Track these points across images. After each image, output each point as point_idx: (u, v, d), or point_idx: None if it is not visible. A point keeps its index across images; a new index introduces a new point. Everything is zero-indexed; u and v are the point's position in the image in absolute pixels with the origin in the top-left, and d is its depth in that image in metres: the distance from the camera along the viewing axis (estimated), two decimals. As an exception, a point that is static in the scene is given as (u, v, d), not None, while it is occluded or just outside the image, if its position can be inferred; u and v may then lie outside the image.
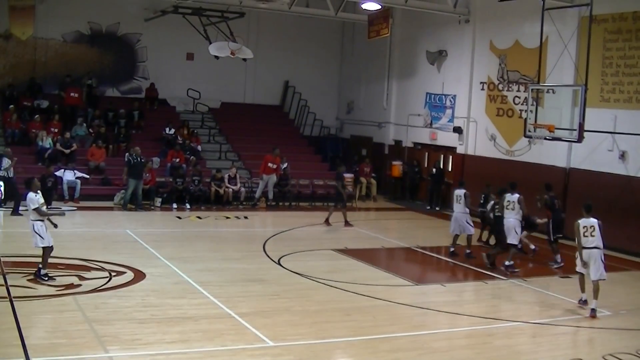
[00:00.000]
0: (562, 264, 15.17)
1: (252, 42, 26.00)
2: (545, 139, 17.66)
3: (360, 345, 9.91)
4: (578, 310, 12.03)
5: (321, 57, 29.17)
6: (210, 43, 23.11)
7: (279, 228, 18.76)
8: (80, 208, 19.86)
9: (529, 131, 17.48)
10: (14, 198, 18.45)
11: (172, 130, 24.44)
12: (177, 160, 22.55)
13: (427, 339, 10.38)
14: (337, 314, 11.27)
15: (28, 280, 11.98)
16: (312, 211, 22.13)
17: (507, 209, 14.69)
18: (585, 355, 10.05)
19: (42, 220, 12.09)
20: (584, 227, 11.74)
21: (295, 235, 18.06)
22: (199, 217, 19.94)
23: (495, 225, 15.38)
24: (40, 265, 12.05)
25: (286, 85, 29.05)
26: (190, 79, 26.69)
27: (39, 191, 12.33)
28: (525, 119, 17.75)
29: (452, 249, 16.18)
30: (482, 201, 17.25)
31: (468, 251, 15.94)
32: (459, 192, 16.10)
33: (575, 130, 16.28)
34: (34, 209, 12.05)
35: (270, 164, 22.21)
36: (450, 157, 23.90)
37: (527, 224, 15.36)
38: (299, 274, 13.66)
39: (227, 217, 20.28)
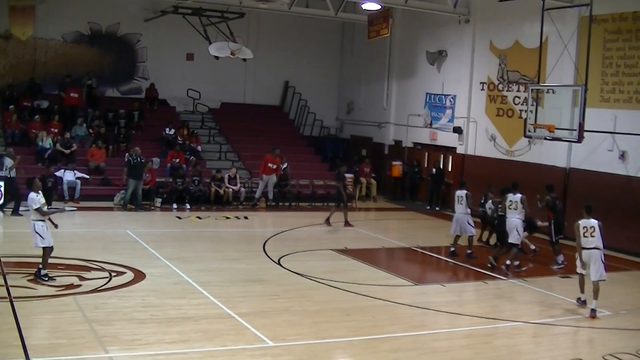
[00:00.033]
0: (563, 266, 15.16)
1: (252, 42, 26.01)
2: (545, 139, 17.66)
3: (360, 345, 9.91)
4: (578, 310, 12.04)
5: (321, 58, 29.18)
6: (210, 43, 23.12)
7: (279, 228, 18.76)
8: (80, 208, 19.86)
9: (529, 131, 17.48)
10: (15, 198, 18.45)
11: (172, 131, 24.44)
12: (177, 160, 22.55)
13: (427, 339, 10.38)
14: (337, 314, 11.27)
15: (28, 280, 11.98)
16: (312, 211, 22.14)
17: (509, 208, 14.68)
18: (585, 355, 10.06)
19: (43, 221, 12.09)
20: (584, 227, 11.74)
21: (295, 236, 18.06)
22: (199, 218, 19.94)
23: (497, 225, 15.38)
24: (40, 266, 12.05)
25: (286, 85, 29.05)
26: (190, 79, 26.69)
27: (40, 191, 12.33)
28: (525, 119, 17.75)
29: (452, 249, 16.19)
30: (482, 201, 17.27)
31: (469, 251, 15.93)
32: (461, 193, 16.08)
33: (575, 130, 16.28)
34: (35, 209, 12.05)
35: (270, 164, 22.21)
36: (450, 157, 23.90)
37: (528, 225, 15.34)
38: (299, 274, 13.66)
39: (227, 218, 20.28)
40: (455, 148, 23.52)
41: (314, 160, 26.80)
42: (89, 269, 13.07)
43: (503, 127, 21.59)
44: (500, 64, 21.74)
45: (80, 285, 11.96)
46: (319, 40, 28.82)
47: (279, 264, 14.51)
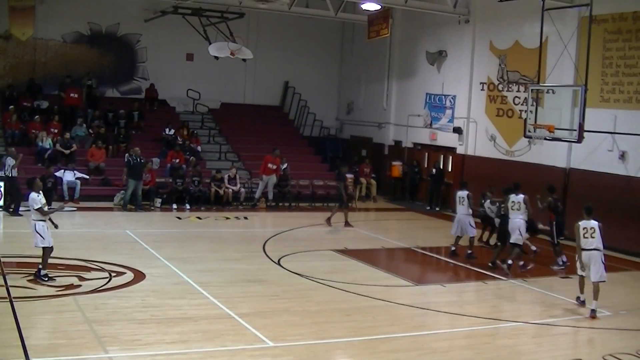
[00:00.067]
0: (564, 266, 15.15)
1: (252, 42, 26.01)
2: (545, 139, 17.64)
3: (360, 346, 9.90)
4: (578, 310, 12.04)
5: (321, 58, 29.18)
6: (210, 43, 23.11)
7: (278, 228, 18.76)
8: (80, 208, 19.87)
9: (529, 131, 17.47)
10: (16, 198, 18.43)
11: (172, 131, 24.44)
12: (177, 160, 22.55)
13: (427, 339, 10.37)
14: (337, 314, 11.26)
15: (28, 280, 11.98)
16: (312, 212, 22.14)
17: (512, 209, 14.66)
18: (585, 355, 10.06)
19: (43, 221, 12.09)
20: (583, 228, 11.74)
21: (295, 236, 18.06)
22: (199, 218, 19.94)
23: (500, 225, 15.39)
24: (40, 266, 12.05)
25: (286, 85, 29.05)
26: (190, 79, 26.69)
27: (40, 191, 12.33)
28: (525, 119, 17.74)
29: (453, 248, 16.19)
30: (482, 201, 17.25)
31: (469, 252, 15.93)
32: (462, 194, 16.07)
33: (575, 130, 16.28)
34: (36, 209, 12.05)
35: (270, 165, 22.21)
36: (450, 157, 23.90)
37: (529, 227, 15.31)
38: (298, 274, 13.66)
39: (227, 218, 20.28)
40: (455, 148, 23.52)
41: (314, 160, 26.80)
42: (88, 269, 13.07)
43: (503, 127, 21.59)
44: (500, 64, 21.74)
45: (80, 285, 11.96)
46: (319, 41, 28.82)
47: (279, 264, 14.51)
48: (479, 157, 22.40)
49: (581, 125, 16.02)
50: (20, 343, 8.94)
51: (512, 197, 14.72)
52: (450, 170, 23.78)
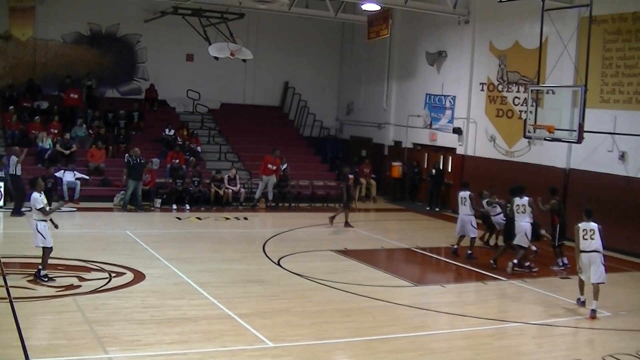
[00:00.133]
0: (564, 268, 15.15)
1: (252, 43, 26.01)
2: (545, 139, 17.65)
3: (360, 346, 9.90)
4: (578, 310, 12.05)
5: (321, 58, 29.18)
6: (210, 44, 23.12)
7: (278, 229, 18.76)
8: (80, 209, 19.87)
9: (529, 132, 17.48)
10: (19, 198, 18.40)
11: (172, 131, 24.44)
12: (177, 161, 22.55)
13: (427, 339, 10.38)
14: (337, 314, 11.27)
15: (28, 281, 11.98)
16: (311, 212, 22.14)
17: (517, 212, 14.64)
18: (585, 356, 10.07)
19: (45, 221, 12.10)
20: (583, 230, 11.78)
21: (295, 236, 18.06)
22: (199, 218, 19.94)
23: (505, 226, 15.41)
24: (40, 266, 12.05)
25: (286, 86, 29.06)
26: (190, 80, 26.69)
27: (42, 191, 12.34)
28: (525, 120, 17.75)
29: (455, 247, 16.20)
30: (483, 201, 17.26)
31: (469, 252, 15.93)
32: (464, 194, 16.08)
33: (575, 131, 16.29)
34: (38, 209, 12.05)
35: (270, 165, 22.21)
36: (450, 158, 23.90)
37: (532, 233, 15.25)
38: (298, 274, 13.66)
39: (227, 218, 20.27)
40: (455, 149, 23.52)
41: (314, 161, 26.80)
42: (88, 269, 13.07)
43: (503, 127, 21.59)
44: (500, 65, 21.74)
45: (80, 285, 11.96)
46: (318, 41, 28.82)
47: (278, 264, 14.51)
48: (479, 157, 22.40)
49: (581, 126, 16.03)
50: (20, 343, 8.94)
51: (517, 200, 14.68)
52: (450, 170, 23.79)
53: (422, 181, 24.84)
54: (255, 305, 11.51)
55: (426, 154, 25.14)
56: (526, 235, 14.50)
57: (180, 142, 23.84)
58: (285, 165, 23.11)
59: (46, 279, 11.95)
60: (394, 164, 25.47)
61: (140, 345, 9.26)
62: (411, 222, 21.91)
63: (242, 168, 24.12)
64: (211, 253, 15.57)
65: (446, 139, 23.80)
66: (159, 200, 21.05)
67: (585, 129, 16.08)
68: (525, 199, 14.62)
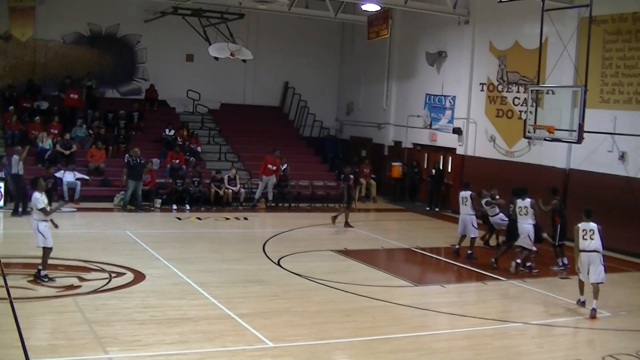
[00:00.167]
0: (564, 268, 15.15)
1: (252, 43, 26.02)
2: (545, 140, 17.65)
3: (360, 346, 9.91)
4: (578, 311, 12.05)
5: (321, 58, 29.18)
6: (210, 44, 23.12)
7: (278, 229, 18.77)
8: (80, 209, 19.88)
9: (529, 132, 17.47)
10: (20, 198, 18.39)
11: (172, 132, 24.44)
12: (177, 161, 22.56)
13: (427, 340, 10.38)
14: (337, 314, 11.27)
15: (28, 281, 11.99)
16: (311, 212, 22.15)
17: (520, 214, 14.64)
18: (585, 356, 10.08)
19: (46, 221, 12.10)
20: (583, 230, 11.80)
21: (294, 236, 18.06)
22: (199, 218, 19.94)
23: (507, 227, 15.43)
24: (40, 267, 12.05)
25: (286, 86, 29.06)
26: (190, 80, 26.68)
27: (43, 192, 12.34)
28: (525, 120, 17.75)
29: (457, 247, 16.22)
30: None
31: (469, 252, 15.94)
32: (465, 194, 16.10)
33: (575, 131, 16.29)
34: (39, 209, 12.05)
35: (270, 166, 22.21)
36: (450, 158, 23.90)
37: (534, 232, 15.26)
38: (298, 274, 13.66)
39: (227, 218, 20.28)
40: (454, 149, 23.52)
41: (314, 161, 26.80)
42: (88, 269, 13.07)
43: (503, 128, 21.59)
44: (499, 65, 21.74)
45: (80, 286, 11.97)
46: (318, 41, 28.82)
47: (278, 264, 14.52)
48: (479, 157, 22.40)
49: (581, 126, 16.03)
50: (20, 344, 8.94)
51: (519, 202, 14.66)
52: (450, 170, 23.79)
53: (422, 181, 24.84)
54: (255, 305, 11.51)
55: (426, 154, 25.14)
56: (529, 237, 14.50)
57: (180, 142, 23.85)
58: (285, 166, 23.12)
59: (46, 279, 11.95)
60: (394, 164, 25.47)
61: (140, 345, 9.26)
62: (411, 222, 21.91)
63: (242, 168, 24.12)
64: (211, 253, 15.57)
65: (446, 139, 23.81)
66: (159, 201, 21.05)
67: (585, 129, 16.08)
68: (528, 200, 14.60)
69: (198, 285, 12.38)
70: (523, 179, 17.60)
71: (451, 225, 19.76)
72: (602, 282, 11.72)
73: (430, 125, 24.52)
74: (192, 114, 26.64)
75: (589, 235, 11.73)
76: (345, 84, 29.60)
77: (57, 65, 25.23)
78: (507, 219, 16.00)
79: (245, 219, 20.49)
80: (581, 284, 12.18)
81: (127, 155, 21.44)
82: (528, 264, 14.85)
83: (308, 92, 28.68)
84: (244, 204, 22.20)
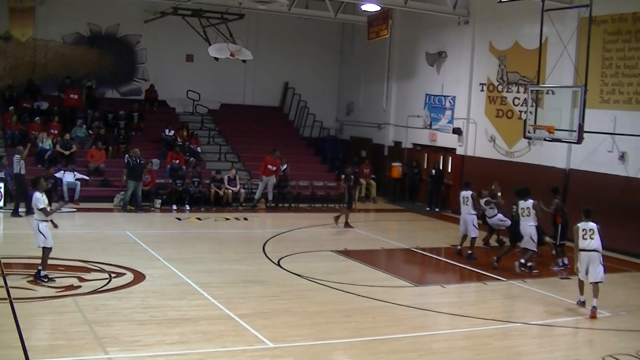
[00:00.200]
0: (564, 268, 15.15)
1: (252, 43, 26.02)
2: (545, 140, 17.65)
3: (360, 347, 9.91)
4: (578, 311, 12.05)
5: (321, 59, 29.18)
6: (210, 44, 23.13)
7: (278, 229, 18.77)
8: (80, 209, 19.87)
9: (529, 132, 17.47)
10: (21, 198, 18.38)
11: (172, 132, 24.44)
12: (177, 161, 22.56)
13: (427, 340, 10.38)
14: (337, 315, 11.27)
15: (28, 281, 11.98)
16: (311, 212, 22.14)
17: (522, 215, 14.64)
18: (585, 356, 10.08)
19: (47, 221, 12.10)
20: (582, 230, 11.82)
21: (294, 237, 18.06)
22: (199, 219, 19.94)
23: (510, 227, 15.43)
24: (40, 267, 12.05)
25: (286, 86, 29.06)
26: (190, 80, 26.68)
27: (44, 192, 12.33)
28: (525, 120, 17.75)
29: (458, 247, 16.22)
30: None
31: (469, 252, 15.95)
32: (466, 194, 16.11)
33: (575, 131, 16.29)
34: (40, 209, 12.05)
35: (270, 166, 22.20)
36: (450, 158, 23.90)
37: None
38: (298, 275, 13.66)
39: (227, 219, 20.27)
40: (454, 149, 23.52)
41: (314, 161, 26.80)
42: (88, 270, 13.07)
43: (503, 128, 21.59)
44: (499, 65, 21.74)
45: (80, 286, 11.96)
46: (318, 42, 28.82)
47: (278, 265, 14.52)
48: (479, 157, 22.40)
49: (581, 126, 16.03)
50: (20, 344, 8.94)
51: (521, 203, 14.66)
52: (450, 171, 23.79)
53: (422, 181, 24.84)
54: (255, 305, 11.51)
55: (426, 155, 25.14)
56: (532, 238, 14.49)
57: (180, 143, 23.84)
58: (285, 166, 23.11)
59: (46, 280, 11.95)
60: (394, 164, 25.47)
61: (140, 345, 9.26)
62: (411, 222, 21.91)
63: (242, 168, 24.12)
64: (211, 253, 15.57)
65: (446, 140, 23.81)
66: (159, 201, 21.05)
67: (585, 129, 16.08)
68: (530, 201, 14.60)
69: (198, 286, 12.38)
70: (523, 179, 17.60)
71: (451, 226, 19.79)
72: (601, 282, 11.74)
73: (430, 125, 24.52)
74: (192, 114, 26.64)
75: (589, 235, 11.75)
76: (345, 84, 29.60)
77: (57, 66, 25.23)
78: (505, 220, 16.03)
79: (245, 219, 20.48)
80: (581, 284, 12.19)
81: (127, 155, 21.43)
82: (529, 264, 14.86)
83: (308, 92, 28.68)
84: (243, 204, 22.20)
